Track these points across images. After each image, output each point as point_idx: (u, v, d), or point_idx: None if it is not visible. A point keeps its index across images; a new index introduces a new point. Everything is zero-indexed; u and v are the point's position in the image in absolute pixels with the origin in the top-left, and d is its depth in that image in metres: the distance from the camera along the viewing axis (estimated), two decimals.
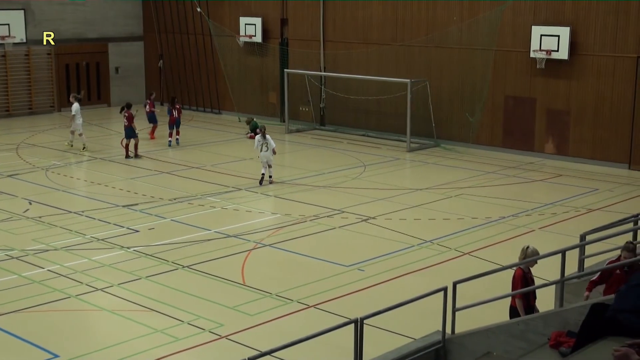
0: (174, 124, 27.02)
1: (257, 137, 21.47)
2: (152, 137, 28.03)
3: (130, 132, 24.58)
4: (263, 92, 32.03)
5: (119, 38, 35.65)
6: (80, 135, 25.89)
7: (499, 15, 25.03)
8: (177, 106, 27.52)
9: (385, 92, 27.56)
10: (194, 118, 30.30)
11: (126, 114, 24.55)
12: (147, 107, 28.24)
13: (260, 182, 21.25)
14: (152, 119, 28.13)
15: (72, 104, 26.15)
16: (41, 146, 26.57)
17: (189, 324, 12.43)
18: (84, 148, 25.75)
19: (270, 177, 21.41)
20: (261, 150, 21.13)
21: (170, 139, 26.89)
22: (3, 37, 30.48)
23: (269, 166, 21.32)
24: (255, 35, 31.36)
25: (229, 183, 21.50)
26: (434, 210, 19.00)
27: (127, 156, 24.68)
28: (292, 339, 8.40)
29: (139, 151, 24.93)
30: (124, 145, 24.90)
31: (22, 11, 31.24)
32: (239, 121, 31.02)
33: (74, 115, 25.79)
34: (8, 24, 30.59)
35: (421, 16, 27.07)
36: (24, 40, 31.37)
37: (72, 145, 26.09)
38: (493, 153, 25.53)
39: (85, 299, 13.45)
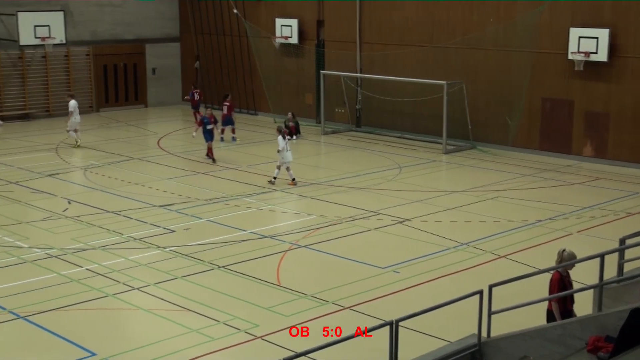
0: (225, 121, 27.45)
1: (284, 137, 21.43)
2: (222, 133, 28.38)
3: (205, 134, 24.54)
4: (299, 93, 32.10)
5: (155, 39, 35.98)
6: (69, 131, 26.61)
7: (537, 16, 24.81)
8: (228, 103, 27.91)
9: (421, 94, 27.45)
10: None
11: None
12: (225, 109, 28.41)
13: (295, 183, 21.39)
14: (228, 121, 28.22)
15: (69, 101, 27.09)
16: (80, 146, 26.86)
17: (224, 324, 12.49)
18: (77, 144, 26.55)
19: (275, 177, 21.61)
20: (287, 150, 21.25)
21: (222, 135, 27.47)
22: (43, 39, 30.89)
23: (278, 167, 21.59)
24: (291, 37, 31.44)
25: (264, 184, 21.57)
26: (470, 212, 18.89)
27: (212, 159, 24.41)
28: (327, 340, 8.41)
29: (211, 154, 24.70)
30: (208, 148, 24.74)
31: (62, 12, 31.62)
32: (275, 122, 31.09)
33: (72, 111, 26.34)
34: (48, 26, 30.99)
35: (457, 17, 26.94)
36: (64, 42, 31.74)
37: (78, 144, 26.67)
38: (530, 156, 25.31)
39: (122, 298, 13.59)
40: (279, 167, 21.52)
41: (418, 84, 27.26)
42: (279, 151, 21.31)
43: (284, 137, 21.33)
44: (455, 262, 15.43)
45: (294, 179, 21.48)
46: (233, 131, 27.94)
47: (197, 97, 30.32)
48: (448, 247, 16.30)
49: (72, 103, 26.70)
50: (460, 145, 26.56)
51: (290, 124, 28.34)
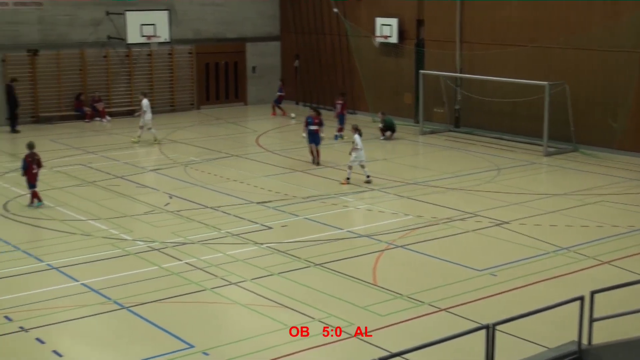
0: (338, 118, 28.12)
1: (361, 135, 21.63)
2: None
3: (308, 136, 24.31)
4: (398, 93, 32.00)
5: (256, 38, 36.51)
6: (149, 129, 27.29)
7: None
8: (340, 102, 28.22)
9: (521, 95, 26.92)
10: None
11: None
12: (339, 107, 28.70)
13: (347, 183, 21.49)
14: (342, 119, 28.49)
15: (141, 100, 27.85)
16: (181, 142, 27.57)
17: (319, 321, 12.56)
18: (155, 141, 27.19)
19: (368, 176, 21.61)
20: (361, 149, 21.41)
21: (338, 133, 27.95)
22: (149, 37, 31.76)
23: (362, 166, 21.64)
24: (391, 36, 31.37)
25: (361, 183, 21.58)
26: (571, 216, 18.43)
27: (313, 161, 24.05)
28: (422, 341, 8.37)
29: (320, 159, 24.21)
30: (310, 152, 24.35)
31: (167, 12, 32.44)
32: (374, 122, 31.05)
33: (144, 111, 27.12)
34: (154, 24, 31.84)
35: (561, 16, 26.28)
36: (168, 40, 32.54)
37: (138, 141, 27.34)
38: (637, 159, 24.45)
39: (220, 292, 13.85)
40: (363, 166, 21.60)
41: (518, 84, 26.76)
42: (356, 149, 21.34)
43: (360, 135, 21.57)
44: (555, 266, 15.09)
45: (348, 179, 21.50)
46: (341, 130, 28.19)
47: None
48: (547, 252, 15.95)
49: (145, 102, 27.39)
50: (561, 148, 25.91)
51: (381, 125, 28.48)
